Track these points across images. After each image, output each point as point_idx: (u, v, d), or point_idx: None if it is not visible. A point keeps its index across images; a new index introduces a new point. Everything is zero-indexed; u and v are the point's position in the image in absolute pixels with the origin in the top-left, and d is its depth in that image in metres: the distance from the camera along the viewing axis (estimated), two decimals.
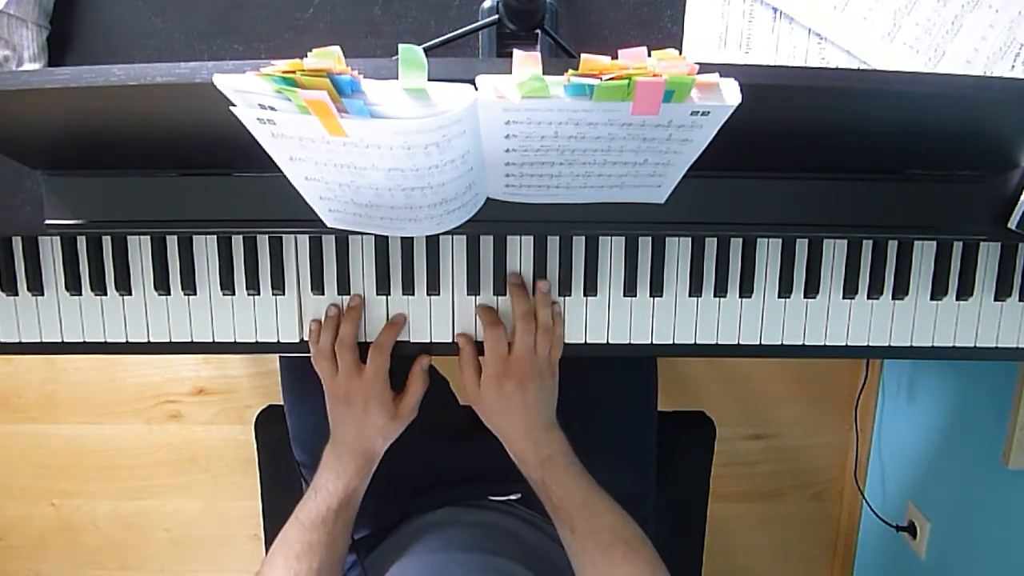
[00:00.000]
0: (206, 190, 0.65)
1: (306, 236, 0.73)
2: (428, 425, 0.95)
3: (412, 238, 0.73)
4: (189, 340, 0.76)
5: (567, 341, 0.76)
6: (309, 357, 0.75)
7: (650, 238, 0.74)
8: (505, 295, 0.74)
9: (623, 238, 0.74)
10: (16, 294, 0.75)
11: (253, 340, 0.75)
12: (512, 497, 0.88)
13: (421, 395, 0.77)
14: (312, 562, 0.70)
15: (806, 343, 0.76)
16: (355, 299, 0.74)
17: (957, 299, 0.75)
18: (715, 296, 0.75)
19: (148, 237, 0.73)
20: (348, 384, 0.74)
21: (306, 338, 0.75)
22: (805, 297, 0.75)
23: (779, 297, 0.75)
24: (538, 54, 0.46)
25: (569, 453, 0.74)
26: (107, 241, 0.73)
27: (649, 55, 0.46)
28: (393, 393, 0.76)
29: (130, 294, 0.74)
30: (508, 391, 0.73)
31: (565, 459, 0.74)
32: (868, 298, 0.75)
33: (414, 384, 0.77)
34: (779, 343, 0.76)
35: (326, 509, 0.73)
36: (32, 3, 0.66)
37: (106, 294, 0.74)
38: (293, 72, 0.44)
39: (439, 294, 0.75)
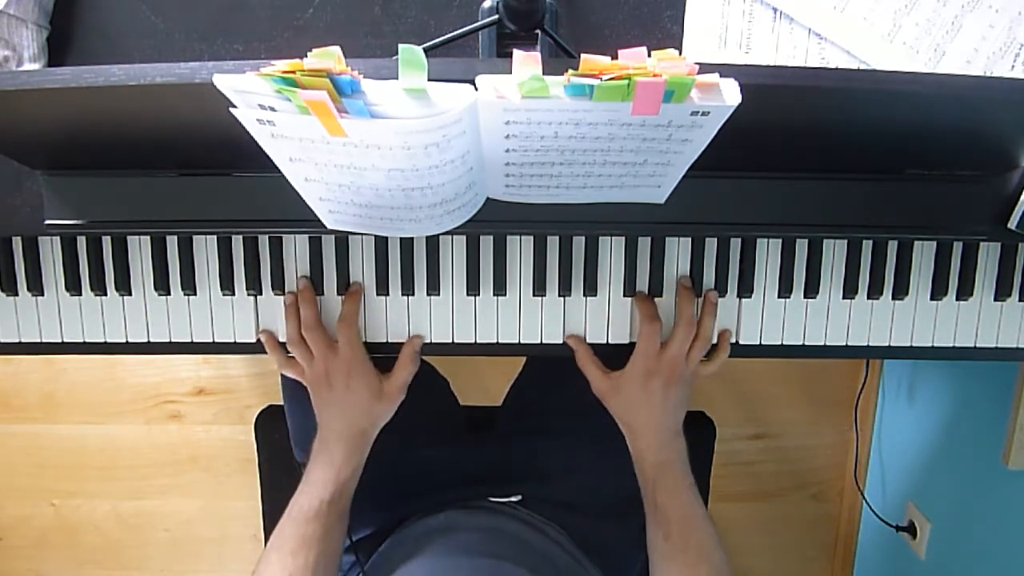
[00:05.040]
0: (206, 190, 0.65)
1: (306, 236, 0.73)
2: (428, 426, 0.95)
3: (412, 238, 0.73)
4: (189, 340, 0.76)
5: (565, 342, 0.76)
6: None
7: (650, 238, 0.74)
8: (505, 295, 0.74)
9: (623, 238, 0.74)
10: (16, 294, 0.75)
11: (253, 340, 0.75)
12: (513, 499, 0.88)
13: (409, 376, 0.76)
14: (308, 556, 0.70)
15: (806, 343, 0.76)
16: (303, 281, 0.74)
17: (957, 299, 0.75)
18: None
19: (148, 237, 0.73)
20: (326, 363, 0.73)
21: (262, 335, 0.75)
22: (805, 297, 0.75)
23: (779, 297, 0.75)
24: (538, 54, 0.46)
25: (686, 464, 0.75)
26: (107, 241, 0.74)
27: (649, 55, 0.46)
28: (380, 374, 0.75)
29: (130, 294, 0.74)
30: (652, 388, 0.73)
31: (681, 469, 0.74)
32: (868, 298, 0.75)
33: (403, 364, 0.75)
34: (779, 343, 0.76)
35: (319, 502, 0.72)
36: (32, 3, 0.66)
37: (106, 294, 0.74)
38: (293, 72, 0.44)
39: (439, 294, 0.75)
